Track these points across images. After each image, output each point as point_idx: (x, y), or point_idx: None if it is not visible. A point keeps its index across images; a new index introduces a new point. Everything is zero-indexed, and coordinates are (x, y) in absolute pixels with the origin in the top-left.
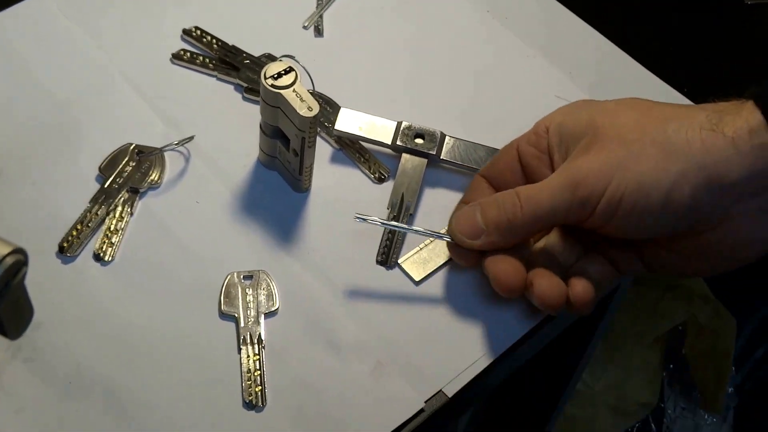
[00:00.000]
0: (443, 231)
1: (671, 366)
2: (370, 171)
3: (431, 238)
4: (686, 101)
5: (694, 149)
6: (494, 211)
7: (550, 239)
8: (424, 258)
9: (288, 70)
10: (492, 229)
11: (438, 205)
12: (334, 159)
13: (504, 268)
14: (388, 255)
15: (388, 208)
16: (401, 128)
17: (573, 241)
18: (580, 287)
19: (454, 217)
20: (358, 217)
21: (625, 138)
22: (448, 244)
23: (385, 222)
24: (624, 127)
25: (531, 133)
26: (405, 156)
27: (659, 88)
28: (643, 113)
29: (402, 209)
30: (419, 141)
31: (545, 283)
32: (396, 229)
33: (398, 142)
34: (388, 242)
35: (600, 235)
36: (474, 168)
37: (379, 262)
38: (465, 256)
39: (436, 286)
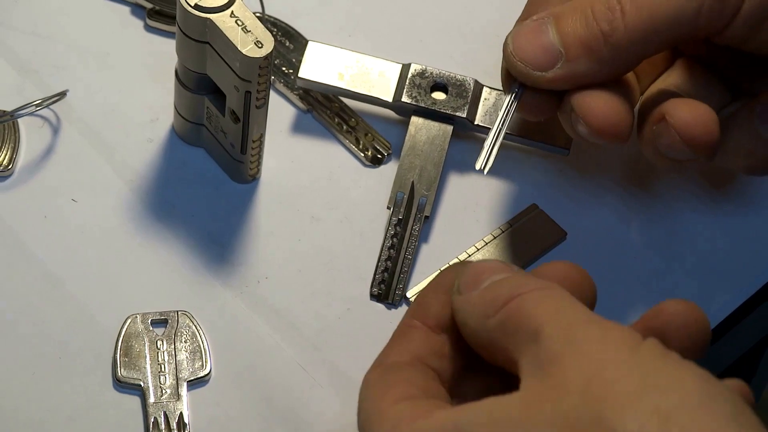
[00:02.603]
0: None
1: None
2: (358, 146)
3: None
4: None
5: None
6: (578, 22)
7: (672, 79)
8: None
9: None
10: (575, 51)
11: (471, 201)
12: (300, 127)
13: (602, 98)
14: (391, 285)
15: (388, 208)
16: (409, 74)
17: (714, 81)
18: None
19: (513, 35)
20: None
21: None
22: (504, 81)
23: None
24: None
25: None
26: (416, 121)
27: None
28: None
29: (412, 209)
30: (439, 96)
31: (687, 109)
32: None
33: (404, 99)
34: (389, 263)
35: (740, 68)
36: (530, 140)
37: (374, 297)
38: (531, 103)
39: None
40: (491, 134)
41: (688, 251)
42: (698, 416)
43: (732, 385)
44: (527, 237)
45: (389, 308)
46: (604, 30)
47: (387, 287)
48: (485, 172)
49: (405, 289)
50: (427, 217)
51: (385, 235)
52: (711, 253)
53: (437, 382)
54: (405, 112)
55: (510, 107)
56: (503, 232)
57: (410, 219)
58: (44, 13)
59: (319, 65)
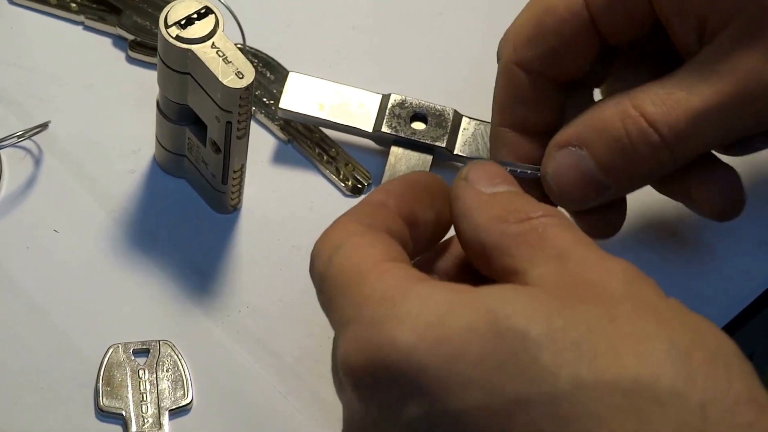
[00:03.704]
0: None
1: None
2: (339, 176)
3: None
4: None
5: None
6: (619, 159)
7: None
8: None
9: (204, 13)
10: (624, 183)
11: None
12: (280, 158)
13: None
14: None
15: None
16: (389, 105)
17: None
18: None
19: (554, 169)
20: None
21: None
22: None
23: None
24: None
25: None
26: (396, 150)
27: None
28: None
29: None
30: (419, 126)
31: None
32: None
33: (384, 129)
34: None
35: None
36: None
37: None
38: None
39: None
40: None
41: (665, 278)
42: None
43: None
44: None
45: None
46: (651, 167)
47: None
48: None
49: None
50: None
51: None
52: (683, 279)
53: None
54: (385, 142)
55: None
56: None
57: None
58: (26, 44)
59: (300, 96)
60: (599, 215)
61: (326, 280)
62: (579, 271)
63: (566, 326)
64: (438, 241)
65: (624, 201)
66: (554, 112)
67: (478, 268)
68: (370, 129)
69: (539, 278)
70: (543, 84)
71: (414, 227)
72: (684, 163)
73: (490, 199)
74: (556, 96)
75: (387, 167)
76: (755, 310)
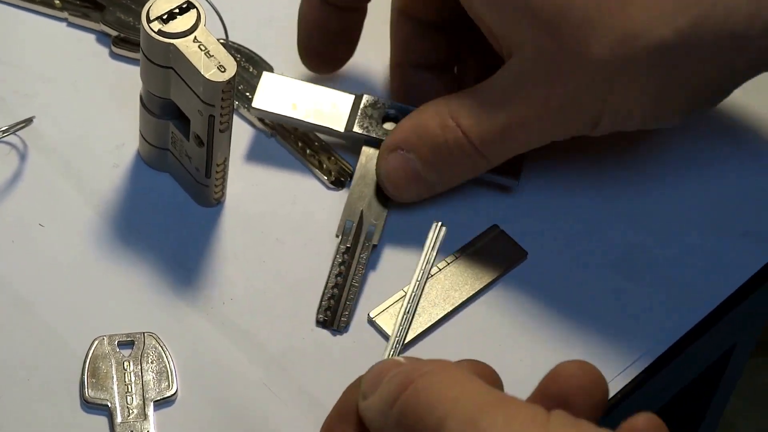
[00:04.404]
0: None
1: None
2: (321, 169)
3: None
4: None
5: None
6: (437, 156)
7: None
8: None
9: (186, 7)
10: (444, 180)
11: (417, 230)
12: (263, 151)
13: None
14: (336, 312)
15: (337, 236)
16: (362, 105)
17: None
18: None
19: (384, 167)
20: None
21: None
22: None
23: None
24: None
25: None
26: (367, 150)
27: None
28: None
29: (360, 237)
30: (390, 126)
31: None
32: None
33: (356, 129)
34: (335, 290)
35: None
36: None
37: (320, 323)
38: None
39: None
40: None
41: (648, 269)
42: None
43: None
44: (488, 258)
45: (334, 334)
46: (471, 168)
47: (333, 314)
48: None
49: (351, 316)
50: (375, 246)
51: (333, 263)
52: (670, 270)
53: None
54: (356, 142)
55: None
56: (463, 254)
57: (358, 247)
58: (10, 40)
59: (273, 95)
60: None
61: None
62: None
63: None
64: None
65: None
66: (434, 49)
67: None
68: (342, 129)
69: None
70: (418, 25)
71: None
72: (498, 163)
73: (376, 399)
74: (432, 35)
75: (358, 167)
76: (738, 299)
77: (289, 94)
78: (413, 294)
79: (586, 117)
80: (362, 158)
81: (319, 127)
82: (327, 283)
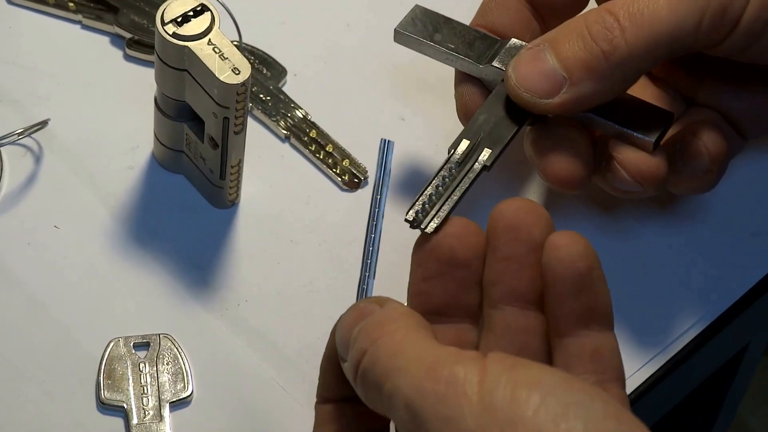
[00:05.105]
0: None
1: None
2: (335, 171)
3: None
4: None
5: None
6: (576, 44)
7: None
8: None
9: (200, 10)
10: (578, 74)
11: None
12: (278, 153)
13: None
14: (428, 214)
15: (449, 150)
16: (507, 46)
17: (672, 95)
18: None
19: (513, 66)
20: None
21: None
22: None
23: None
24: None
25: None
26: (501, 89)
27: None
28: None
29: (471, 158)
30: None
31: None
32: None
33: (495, 63)
34: (434, 196)
35: (716, 79)
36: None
37: (407, 221)
38: (541, 143)
39: None
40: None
41: (659, 269)
42: (567, 415)
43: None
44: None
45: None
46: (605, 50)
47: (424, 216)
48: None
49: (443, 223)
50: (486, 167)
51: (438, 172)
52: (682, 270)
53: None
54: (492, 82)
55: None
56: None
57: (465, 167)
58: (25, 43)
59: (418, 25)
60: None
61: None
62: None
63: None
64: None
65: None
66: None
67: None
68: (481, 63)
69: None
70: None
71: None
72: (644, 55)
73: (347, 367)
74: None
75: (491, 95)
76: (749, 300)
77: (434, 25)
78: None
79: None
80: (500, 88)
81: (459, 59)
82: (424, 189)
